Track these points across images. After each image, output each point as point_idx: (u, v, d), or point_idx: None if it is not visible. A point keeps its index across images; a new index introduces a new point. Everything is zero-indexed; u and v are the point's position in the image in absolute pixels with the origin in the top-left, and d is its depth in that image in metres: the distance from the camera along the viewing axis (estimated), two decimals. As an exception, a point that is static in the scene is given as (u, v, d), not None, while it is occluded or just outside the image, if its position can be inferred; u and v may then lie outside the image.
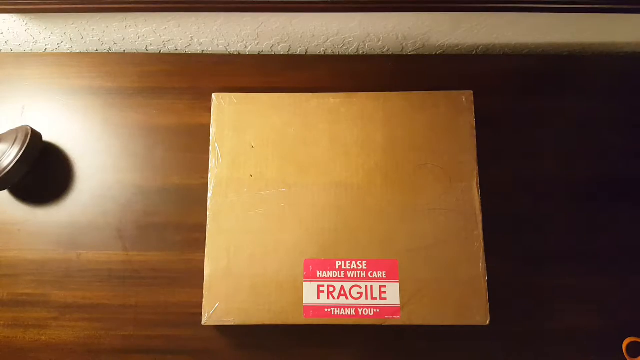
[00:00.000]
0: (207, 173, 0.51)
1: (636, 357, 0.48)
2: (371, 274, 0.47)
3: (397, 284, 0.47)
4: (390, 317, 0.46)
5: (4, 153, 0.50)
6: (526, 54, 0.62)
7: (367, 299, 0.47)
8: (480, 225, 0.48)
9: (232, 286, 0.47)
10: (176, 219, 0.52)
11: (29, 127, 0.53)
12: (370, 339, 0.49)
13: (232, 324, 0.46)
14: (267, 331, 0.49)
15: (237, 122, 0.52)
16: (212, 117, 0.52)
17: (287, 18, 0.56)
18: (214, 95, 0.53)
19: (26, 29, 0.59)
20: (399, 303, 0.46)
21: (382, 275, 0.47)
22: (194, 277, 0.49)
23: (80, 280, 0.50)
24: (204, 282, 0.47)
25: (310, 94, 0.53)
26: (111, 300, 0.50)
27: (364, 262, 0.47)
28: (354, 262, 0.47)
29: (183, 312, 0.49)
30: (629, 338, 0.49)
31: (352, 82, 0.57)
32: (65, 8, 0.53)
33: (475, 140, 0.50)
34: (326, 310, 0.46)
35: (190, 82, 0.58)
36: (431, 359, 0.49)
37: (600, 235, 0.52)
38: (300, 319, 0.46)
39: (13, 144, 0.51)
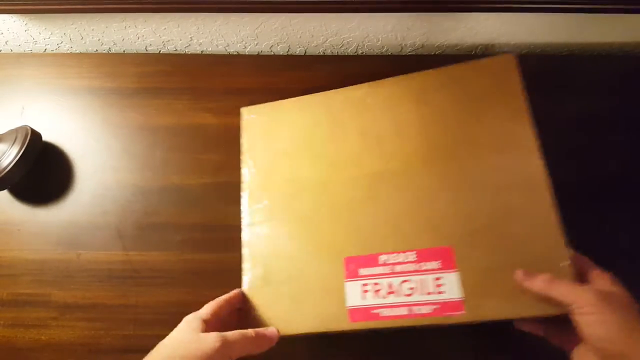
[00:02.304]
0: (206, 173, 0.51)
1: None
2: (423, 266, 0.41)
3: (456, 273, 0.40)
4: (453, 313, 0.39)
5: (4, 153, 0.50)
6: (525, 53, 0.62)
7: (421, 294, 0.40)
8: (550, 194, 0.41)
9: (272, 295, 0.44)
10: (175, 219, 0.52)
11: (28, 127, 0.53)
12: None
13: None
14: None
15: (267, 132, 0.50)
16: (242, 131, 0.51)
17: (286, 18, 0.56)
18: (242, 110, 0.52)
19: (26, 29, 0.59)
20: (461, 296, 0.39)
21: (436, 265, 0.41)
22: (193, 277, 0.49)
23: (80, 280, 0.50)
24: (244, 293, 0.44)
25: (335, 90, 0.51)
26: (111, 300, 0.50)
27: (412, 253, 0.42)
28: (401, 255, 0.42)
29: (182, 312, 0.49)
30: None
31: (351, 83, 0.57)
32: (65, 8, 0.53)
33: (528, 103, 0.44)
34: (373, 312, 0.40)
35: (189, 82, 0.58)
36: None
37: (600, 236, 0.52)
38: (346, 324, 0.41)
39: (13, 144, 0.51)
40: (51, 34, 0.60)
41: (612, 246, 0.52)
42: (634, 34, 0.59)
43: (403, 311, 0.40)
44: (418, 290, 0.40)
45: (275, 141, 0.50)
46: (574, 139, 0.55)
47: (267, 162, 0.49)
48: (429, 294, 0.40)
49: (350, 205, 0.45)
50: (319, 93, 0.51)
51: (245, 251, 0.46)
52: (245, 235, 0.47)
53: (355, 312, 0.41)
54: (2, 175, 0.49)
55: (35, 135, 0.53)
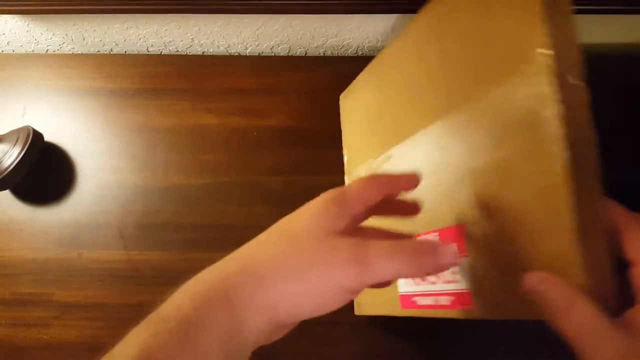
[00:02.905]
0: (207, 173, 0.51)
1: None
2: None
3: (466, 259, 0.32)
4: (464, 307, 0.32)
5: (6, 153, 0.50)
6: (525, 55, 0.63)
7: (442, 283, 0.34)
8: (562, 144, 0.24)
9: None
10: (176, 218, 0.52)
11: (30, 128, 0.53)
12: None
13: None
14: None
15: (350, 112, 0.52)
16: (341, 122, 0.53)
17: (287, 20, 0.57)
18: (340, 98, 0.54)
19: (28, 30, 0.59)
20: (469, 287, 0.31)
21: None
22: (194, 276, 0.49)
23: (82, 279, 0.50)
24: None
25: (396, 37, 0.42)
26: (112, 300, 0.50)
27: (436, 234, 0.35)
28: (429, 236, 0.35)
29: (183, 312, 0.50)
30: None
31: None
32: (67, 9, 0.53)
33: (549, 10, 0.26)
34: (412, 299, 0.37)
35: (190, 83, 0.58)
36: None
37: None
38: (399, 310, 0.38)
39: (15, 144, 0.51)
40: (53, 34, 0.60)
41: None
42: (634, 34, 0.59)
43: (430, 301, 0.35)
44: (440, 278, 0.34)
45: (356, 121, 0.50)
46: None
47: (355, 143, 0.50)
48: (448, 282, 0.33)
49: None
50: (386, 49, 0.44)
51: None
52: None
53: (404, 298, 0.38)
54: (4, 176, 0.50)
55: (37, 136, 0.53)
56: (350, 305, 0.47)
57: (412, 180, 0.28)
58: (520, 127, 0.27)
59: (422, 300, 0.36)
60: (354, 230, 0.27)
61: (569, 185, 0.24)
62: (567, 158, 0.24)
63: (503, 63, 0.28)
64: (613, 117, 0.56)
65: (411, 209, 0.31)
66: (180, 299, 0.24)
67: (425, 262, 0.23)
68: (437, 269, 0.23)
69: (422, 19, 0.37)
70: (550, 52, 0.25)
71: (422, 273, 0.24)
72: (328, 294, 0.23)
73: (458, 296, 0.32)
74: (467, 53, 0.32)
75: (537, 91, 0.26)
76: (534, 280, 0.24)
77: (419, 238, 0.24)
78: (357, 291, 0.24)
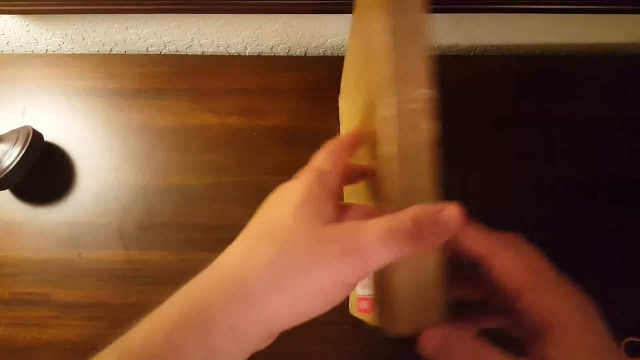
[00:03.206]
0: (207, 173, 0.51)
1: (635, 357, 0.49)
2: None
3: None
4: (370, 313, 0.31)
5: (6, 153, 0.50)
6: (524, 55, 0.63)
7: (368, 287, 0.33)
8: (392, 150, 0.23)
9: None
10: (177, 218, 0.52)
11: (30, 128, 0.53)
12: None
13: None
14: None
15: (347, 117, 0.51)
16: (340, 123, 0.53)
17: (287, 20, 0.57)
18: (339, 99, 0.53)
19: (28, 30, 0.60)
20: (370, 294, 0.31)
21: None
22: (195, 277, 0.49)
23: (82, 279, 0.50)
24: None
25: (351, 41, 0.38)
26: (112, 300, 0.50)
27: None
28: None
29: (183, 312, 0.50)
30: (628, 338, 0.49)
31: (351, 83, 0.57)
32: (67, 9, 0.53)
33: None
34: (360, 303, 0.35)
35: (191, 83, 0.58)
36: None
37: (599, 236, 0.52)
38: (358, 314, 0.37)
39: (15, 144, 0.51)
40: (53, 35, 0.60)
41: (611, 246, 0.52)
42: (632, 35, 0.59)
43: (363, 305, 0.34)
44: (367, 281, 0.32)
45: (347, 123, 0.50)
46: (574, 140, 0.56)
47: None
48: (370, 286, 0.31)
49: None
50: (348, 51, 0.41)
51: None
52: None
53: (360, 301, 0.36)
54: (4, 176, 0.50)
55: (37, 136, 0.53)
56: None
57: (355, 136, 0.28)
58: (382, 140, 0.25)
59: (363, 305, 0.35)
60: (340, 209, 0.25)
61: (397, 193, 0.22)
62: (396, 164, 0.22)
63: (371, 73, 0.27)
64: (613, 117, 0.57)
65: (364, 170, 0.28)
66: (152, 329, 0.22)
67: (428, 236, 0.20)
68: (442, 240, 0.20)
69: (354, 16, 0.34)
70: (392, 63, 0.24)
71: (427, 248, 0.20)
72: (327, 293, 0.21)
73: (370, 301, 0.31)
74: (365, 54, 0.30)
75: (383, 94, 0.24)
76: (434, 342, 0.21)
77: (416, 207, 0.21)
78: (357, 283, 0.22)
